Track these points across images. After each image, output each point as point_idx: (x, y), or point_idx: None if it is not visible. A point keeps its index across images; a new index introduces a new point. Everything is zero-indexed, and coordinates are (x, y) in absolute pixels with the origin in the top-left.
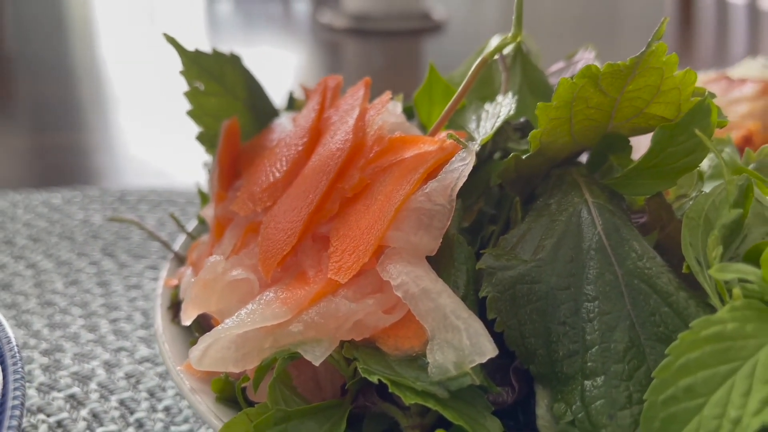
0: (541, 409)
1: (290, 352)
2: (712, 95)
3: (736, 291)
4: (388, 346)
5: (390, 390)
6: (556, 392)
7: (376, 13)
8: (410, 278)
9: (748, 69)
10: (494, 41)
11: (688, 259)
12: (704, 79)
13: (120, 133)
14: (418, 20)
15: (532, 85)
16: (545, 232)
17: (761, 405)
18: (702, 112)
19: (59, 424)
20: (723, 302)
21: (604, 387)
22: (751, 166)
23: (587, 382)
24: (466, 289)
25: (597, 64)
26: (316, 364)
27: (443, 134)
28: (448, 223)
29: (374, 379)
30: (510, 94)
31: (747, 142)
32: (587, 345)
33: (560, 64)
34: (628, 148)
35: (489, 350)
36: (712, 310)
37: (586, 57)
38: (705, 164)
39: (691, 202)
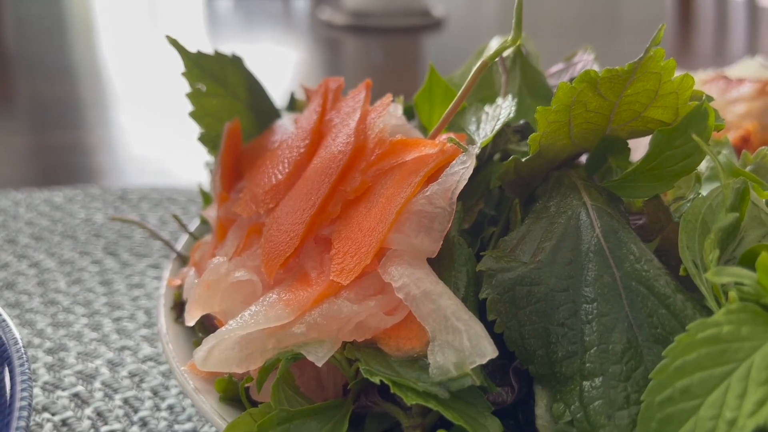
0: (540, 409)
1: (293, 353)
2: (710, 99)
3: (732, 294)
4: (389, 347)
5: (391, 390)
6: (555, 392)
7: (375, 9)
8: (411, 280)
9: (746, 68)
10: (494, 43)
11: (685, 261)
12: (702, 78)
13: (121, 132)
14: (417, 17)
15: (531, 87)
16: (544, 235)
17: (756, 406)
18: (699, 116)
19: (64, 422)
20: (719, 305)
21: (602, 387)
22: (748, 168)
23: (586, 383)
24: (467, 290)
25: (596, 65)
26: (319, 365)
27: (444, 137)
28: (449, 225)
29: (376, 379)
30: (510, 97)
31: (745, 142)
32: (586, 346)
33: (559, 66)
34: (627, 151)
35: (489, 351)
36: (709, 312)
37: (585, 59)
38: (703, 166)
39: (688, 205)
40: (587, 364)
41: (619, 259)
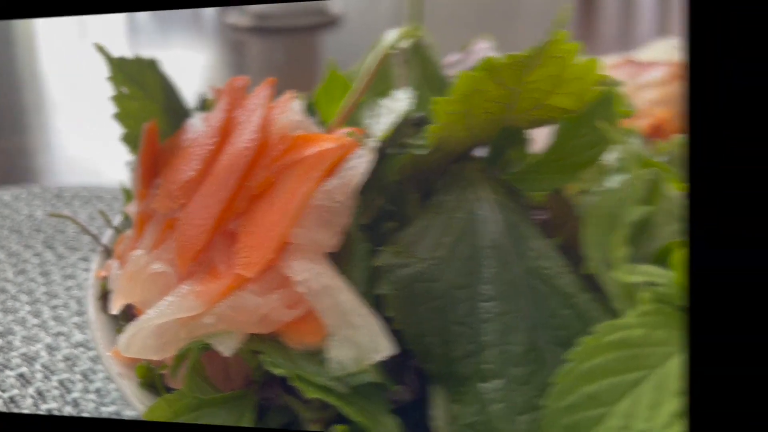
0: (437, 410)
1: (203, 343)
2: (618, 83)
3: (645, 295)
4: (291, 340)
5: (291, 383)
6: (453, 393)
7: (276, 10)
8: (312, 275)
9: (658, 51)
10: (389, 37)
11: (590, 258)
12: (609, 63)
13: (57, 135)
14: (314, 16)
15: (430, 79)
16: (444, 230)
17: (671, 418)
18: (605, 102)
19: (11, 399)
20: (628, 306)
21: (502, 390)
22: (660, 159)
23: (485, 385)
24: (366, 286)
25: (495, 54)
26: (227, 355)
27: (343, 131)
28: (348, 220)
29: (278, 371)
30: (408, 89)
31: (657, 131)
32: (484, 346)
33: (455, 56)
34: (524, 142)
35: (386, 348)
36: (615, 314)
37: (482, 47)
38: (613, 157)
39: (593, 198)
40: (486, 365)
41: (520, 256)
